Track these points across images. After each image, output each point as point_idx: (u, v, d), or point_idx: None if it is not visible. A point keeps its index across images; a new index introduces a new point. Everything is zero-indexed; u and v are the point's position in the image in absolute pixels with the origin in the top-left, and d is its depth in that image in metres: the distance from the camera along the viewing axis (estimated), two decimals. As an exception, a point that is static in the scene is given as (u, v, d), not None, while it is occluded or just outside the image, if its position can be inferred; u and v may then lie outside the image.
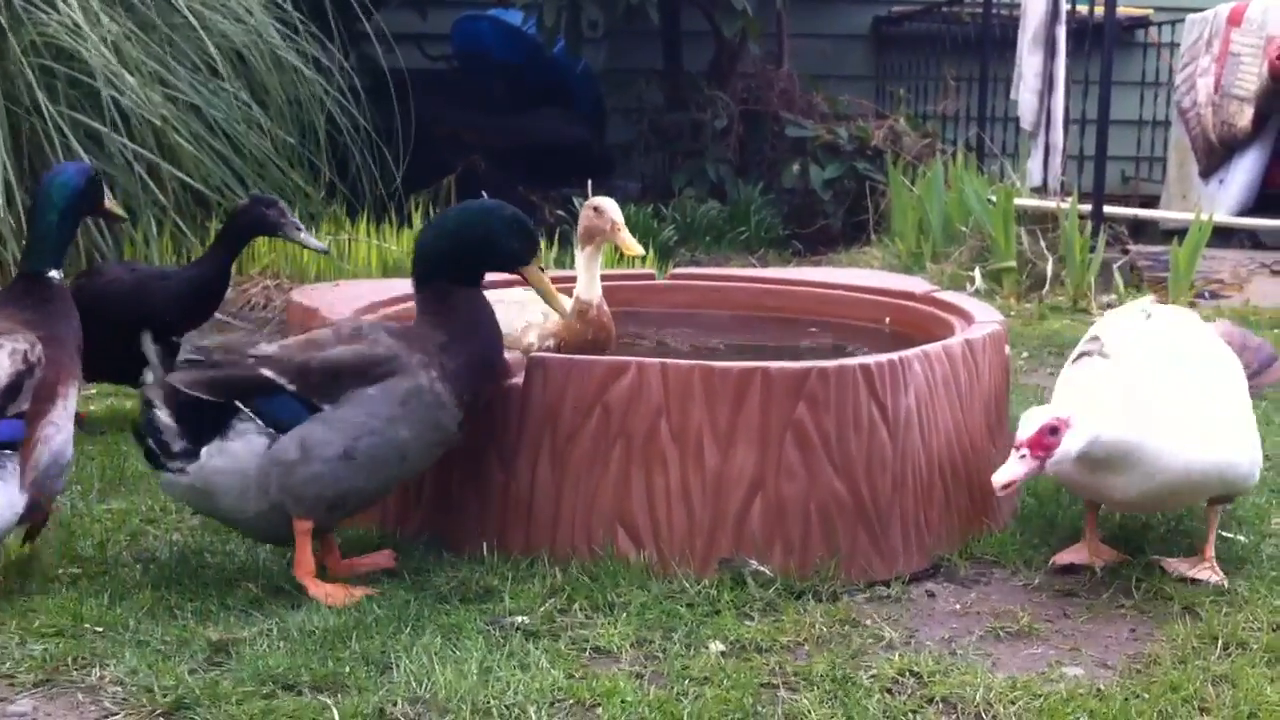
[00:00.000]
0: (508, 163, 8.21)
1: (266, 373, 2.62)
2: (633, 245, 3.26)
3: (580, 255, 3.28)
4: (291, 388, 2.61)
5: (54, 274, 2.77)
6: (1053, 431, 2.58)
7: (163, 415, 2.61)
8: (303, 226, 3.85)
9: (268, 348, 2.72)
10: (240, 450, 2.60)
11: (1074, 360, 2.96)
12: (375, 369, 2.64)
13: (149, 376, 3.56)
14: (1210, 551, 2.84)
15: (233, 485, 2.61)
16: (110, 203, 2.98)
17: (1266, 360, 3.10)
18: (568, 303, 3.25)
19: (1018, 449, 2.59)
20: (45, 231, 2.79)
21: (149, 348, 2.64)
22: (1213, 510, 2.88)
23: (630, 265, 5.67)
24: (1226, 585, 2.75)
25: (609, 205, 3.28)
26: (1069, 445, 2.59)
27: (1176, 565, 2.84)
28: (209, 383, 2.63)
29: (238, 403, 2.61)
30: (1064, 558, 2.89)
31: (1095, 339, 2.95)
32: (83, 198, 2.84)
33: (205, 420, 2.61)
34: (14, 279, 2.84)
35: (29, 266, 2.78)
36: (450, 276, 2.75)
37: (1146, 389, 2.71)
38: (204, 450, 2.61)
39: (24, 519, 2.67)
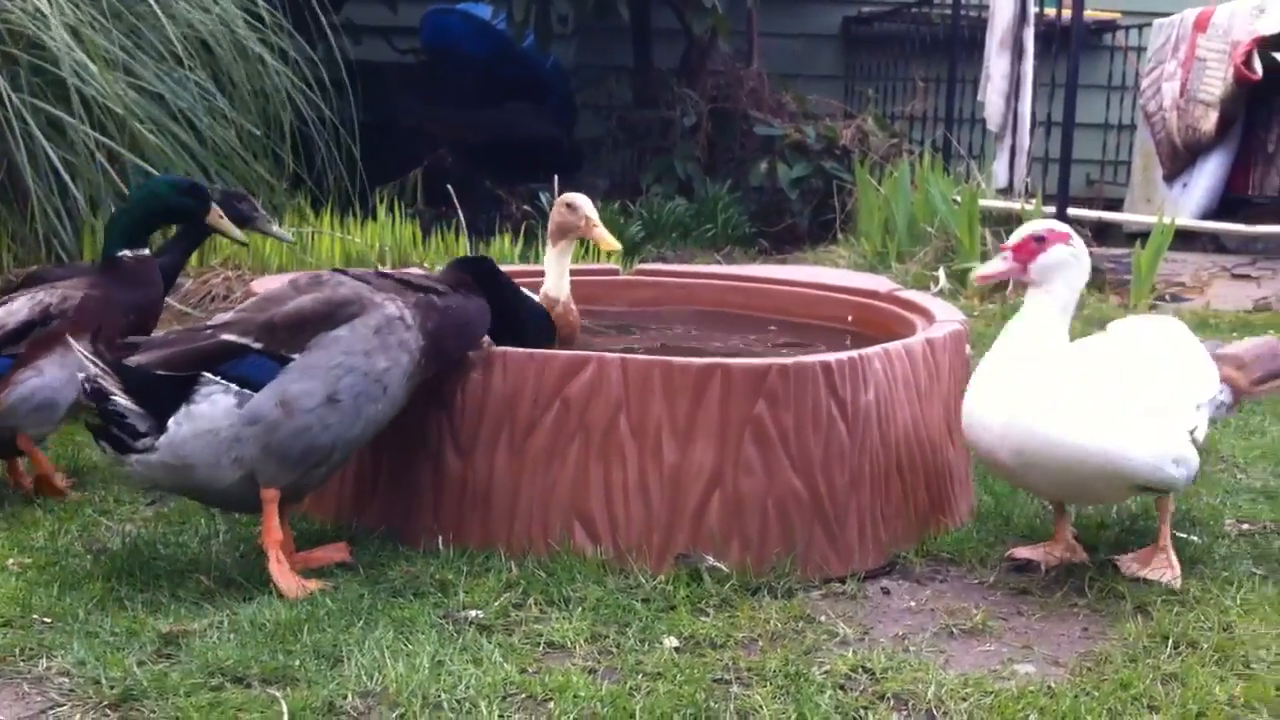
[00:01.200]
0: (476, 157, 8.19)
1: (228, 337, 2.59)
2: (609, 240, 3.26)
3: (550, 251, 3.28)
4: (258, 345, 2.57)
5: (125, 253, 3.18)
6: (1039, 240, 2.69)
7: (122, 400, 2.54)
8: (272, 219, 3.84)
9: (223, 316, 2.69)
10: (208, 411, 2.55)
11: None
12: (341, 310, 2.63)
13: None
14: (1164, 543, 2.84)
15: (205, 451, 2.55)
16: (216, 220, 3.39)
17: (1277, 368, 3.07)
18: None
19: (1003, 250, 2.75)
20: (111, 223, 3.27)
21: (78, 344, 2.63)
22: (1160, 504, 2.88)
23: (596, 260, 5.67)
24: (1178, 585, 2.76)
25: (583, 201, 3.28)
26: (1056, 255, 2.70)
27: (1129, 564, 2.86)
28: (169, 359, 2.57)
29: (205, 372, 2.56)
30: (1021, 552, 2.90)
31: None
32: (169, 206, 3.30)
33: (166, 397, 2.55)
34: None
35: (102, 253, 3.25)
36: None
37: (1059, 377, 2.71)
38: (171, 421, 2.55)
39: None
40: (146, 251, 3.25)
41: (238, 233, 3.51)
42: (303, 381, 2.57)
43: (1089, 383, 2.70)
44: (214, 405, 2.55)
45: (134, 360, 2.57)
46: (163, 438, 2.55)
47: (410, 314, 2.68)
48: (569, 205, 3.27)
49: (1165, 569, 2.80)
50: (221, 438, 2.55)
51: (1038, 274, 2.74)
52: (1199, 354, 2.96)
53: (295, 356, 2.58)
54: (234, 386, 2.56)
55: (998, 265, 2.78)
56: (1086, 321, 5.86)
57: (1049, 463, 2.69)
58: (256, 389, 2.56)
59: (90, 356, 2.55)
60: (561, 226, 3.27)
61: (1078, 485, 2.78)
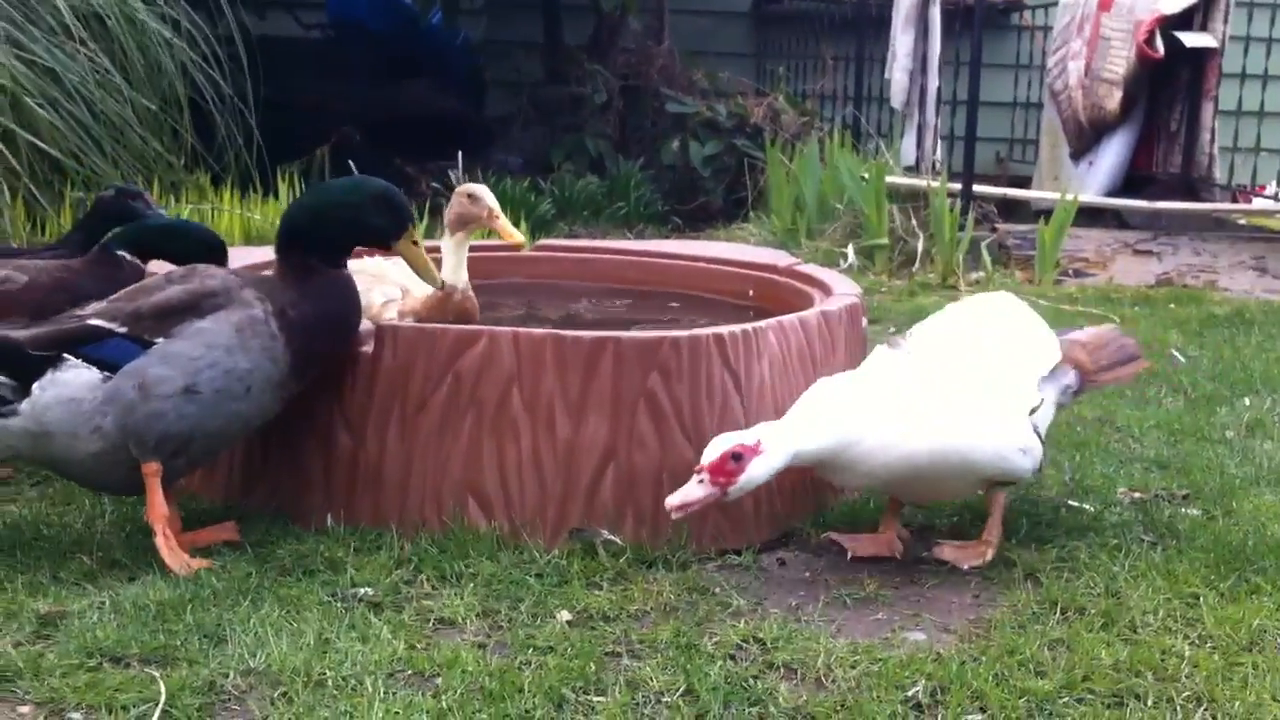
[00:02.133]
0: (383, 135, 8.09)
1: (95, 322, 2.58)
2: (512, 233, 3.23)
3: (448, 240, 3.23)
4: (122, 330, 2.56)
5: (124, 254, 3.18)
6: (735, 458, 2.50)
7: None
8: (167, 215, 3.76)
9: (96, 305, 2.66)
10: (72, 380, 2.53)
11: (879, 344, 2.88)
12: (206, 300, 2.60)
13: None
14: (990, 535, 2.77)
15: (66, 421, 2.52)
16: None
17: (1122, 357, 3.04)
18: (416, 284, 3.21)
19: (698, 473, 2.51)
20: (135, 228, 3.26)
21: None
22: (992, 496, 2.79)
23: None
24: (982, 565, 2.72)
25: (484, 192, 3.23)
26: (755, 472, 2.52)
27: (946, 551, 2.78)
28: (34, 338, 2.55)
29: (65, 354, 2.54)
30: (836, 536, 2.86)
31: (909, 331, 2.91)
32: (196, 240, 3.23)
33: (32, 372, 2.53)
34: None
35: (105, 242, 3.23)
36: (314, 252, 2.70)
37: (874, 386, 2.66)
38: (35, 386, 2.52)
39: None
40: (145, 266, 3.22)
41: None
42: (161, 367, 2.55)
43: (923, 383, 2.66)
44: (79, 376, 2.54)
45: (3, 333, 2.55)
46: (25, 402, 2.53)
47: (276, 323, 2.62)
48: (470, 196, 3.23)
49: (976, 559, 2.74)
50: (84, 410, 2.53)
51: (737, 494, 2.54)
52: (1037, 329, 2.91)
53: (158, 341, 2.56)
54: (94, 369, 2.54)
55: (694, 493, 2.51)
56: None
57: (909, 468, 2.64)
58: (115, 370, 2.54)
59: None
60: (462, 217, 3.22)
61: (918, 489, 2.76)
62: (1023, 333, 2.89)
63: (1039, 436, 2.75)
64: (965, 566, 2.73)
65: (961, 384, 2.68)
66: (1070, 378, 2.91)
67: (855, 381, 2.70)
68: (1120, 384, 3.25)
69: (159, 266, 3.18)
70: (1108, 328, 3.16)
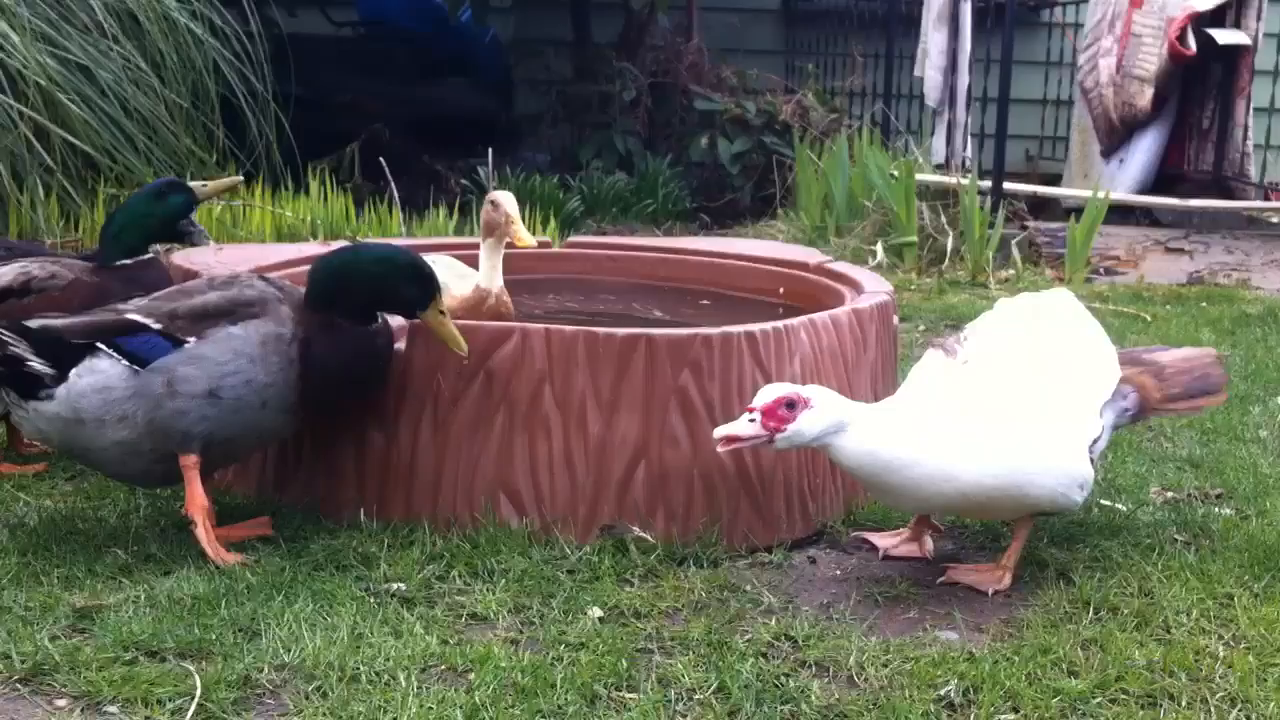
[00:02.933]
0: (412, 132, 8.11)
1: (132, 316, 2.62)
2: (526, 238, 3.24)
3: (483, 246, 3.26)
4: (156, 326, 2.60)
5: (125, 262, 3.19)
6: (789, 405, 2.49)
7: (36, 364, 2.59)
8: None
9: (138, 301, 2.71)
10: (106, 369, 2.58)
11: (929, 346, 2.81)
12: (242, 309, 2.64)
13: None
14: (1008, 561, 2.67)
15: (97, 408, 2.57)
16: (203, 190, 3.38)
17: (1198, 388, 2.88)
18: (456, 282, 3.23)
19: (750, 412, 2.51)
20: (106, 239, 3.25)
21: None
22: (1021, 523, 2.70)
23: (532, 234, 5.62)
24: (1001, 589, 2.63)
25: (505, 199, 3.25)
26: (804, 425, 2.49)
27: (961, 574, 2.68)
28: (70, 327, 2.61)
29: (99, 344, 2.59)
30: (868, 535, 2.85)
31: (961, 332, 2.81)
32: (152, 219, 3.24)
33: (68, 360, 2.59)
34: None
35: (100, 260, 3.23)
36: (341, 313, 2.71)
37: (931, 406, 2.59)
38: (72, 373, 2.58)
39: None
40: (148, 256, 3.25)
41: (228, 181, 3.51)
42: (189, 367, 2.59)
43: (985, 409, 2.57)
44: (111, 367, 2.59)
45: (37, 323, 2.62)
46: (61, 387, 2.59)
47: (297, 349, 2.65)
48: (493, 203, 3.25)
49: (994, 583, 2.65)
50: (114, 398, 2.58)
51: (784, 444, 2.53)
52: (1097, 342, 2.78)
53: (190, 341, 2.60)
54: (123, 361, 2.58)
55: (742, 429, 2.50)
56: (1021, 295, 5.90)
57: (953, 497, 2.57)
58: (144, 365, 2.58)
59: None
60: (489, 224, 3.25)
61: (978, 511, 2.72)
62: (1084, 348, 2.76)
63: (1094, 466, 2.67)
64: (989, 591, 2.62)
65: (1025, 411, 2.58)
66: (1130, 401, 2.79)
67: (908, 402, 2.62)
68: (1191, 415, 3.06)
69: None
70: (1202, 352, 3.00)
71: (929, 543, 2.81)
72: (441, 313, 2.73)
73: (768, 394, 2.52)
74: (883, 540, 2.82)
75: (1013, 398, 2.59)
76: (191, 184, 3.36)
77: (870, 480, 2.59)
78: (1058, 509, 2.67)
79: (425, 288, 2.72)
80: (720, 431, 2.52)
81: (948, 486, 2.53)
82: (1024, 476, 2.55)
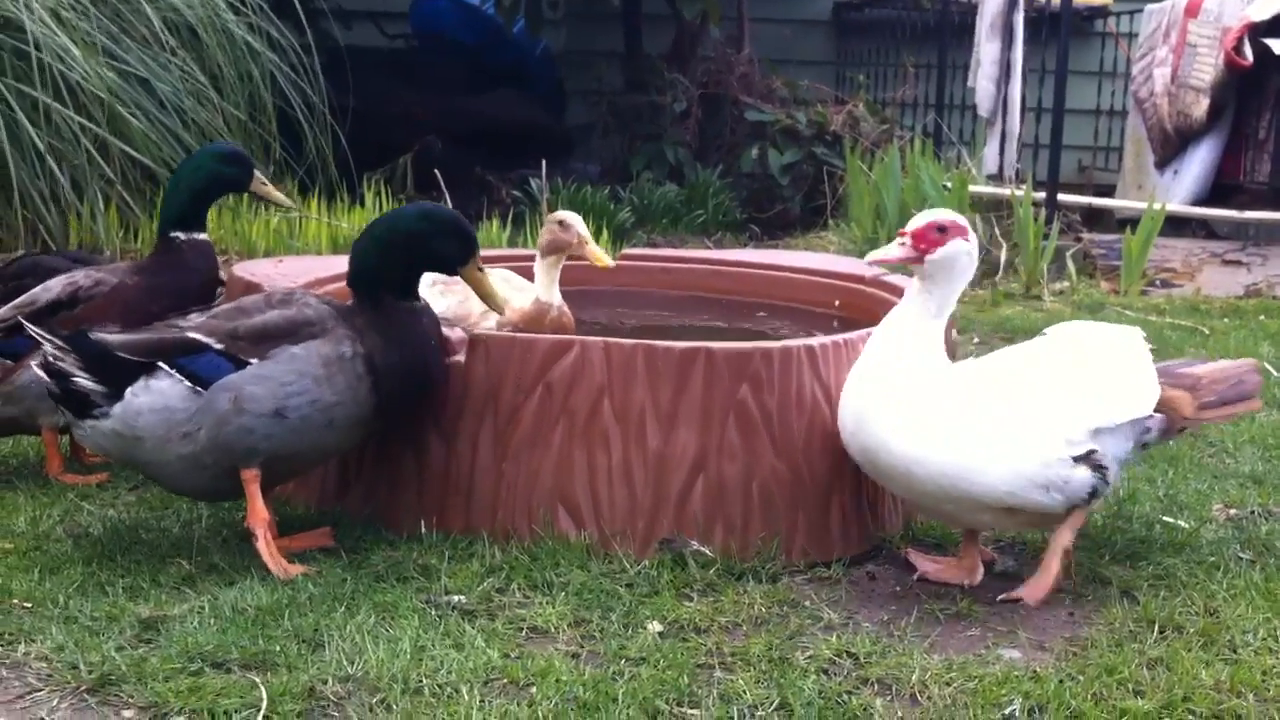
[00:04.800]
0: (465, 143, 8.16)
1: (194, 336, 2.64)
2: (603, 258, 3.26)
3: (541, 263, 3.27)
4: (218, 346, 2.62)
5: (178, 235, 3.20)
6: (940, 230, 2.57)
7: (82, 380, 2.60)
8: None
9: (196, 319, 2.72)
10: (166, 389, 2.60)
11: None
12: (303, 329, 2.66)
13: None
14: (1051, 562, 2.64)
15: (158, 426, 2.59)
16: (260, 186, 3.33)
17: (1233, 395, 2.83)
18: (515, 295, 3.24)
19: (901, 236, 2.59)
20: (163, 203, 3.29)
21: (32, 326, 2.68)
22: (1054, 533, 2.66)
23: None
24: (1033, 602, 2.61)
25: (575, 220, 3.26)
26: (954, 249, 2.58)
27: (1017, 593, 2.64)
28: (130, 344, 2.62)
29: (159, 362, 2.60)
30: (915, 558, 2.79)
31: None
32: (204, 174, 3.22)
33: (124, 376, 2.60)
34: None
35: (158, 230, 3.28)
36: (385, 286, 2.72)
37: (916, 387, 2.59)
38: (128, 391, 2.59)
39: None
40: (202, 235, 3.25)
41: (284, 199, 3.51)
42: (255, 386, 2.60)
43: (946, 397, 2.57)
44: (172, 387, 2.60)
45: (96, 336, 2.63)
46: (117, 405, 2.60)
47: (363, 365, 2.66)
48: (561, 223, 3.26)
49: (1044, 590, 2.62)
50: (176, 418, 2.59)
51: (932, 267, 2.59)
52: (1125, 373, 2.71)
53: (253, 361, 2.61)
54: (185, 380, 2.59)
55: (895, 250, 2.62)
56: (1076, 307, 5.86)
57: (887, 470, 2.60)
58: (204, 385, 2.59)
59: (48, 336, 2.61)
60: (554, 244, 3.26)
61: (928, 499, 2.64)
62: (1107, 374, 2.69)
63: (1100, 471, 2.59)
64: (1033, 603, 2.59)
65: (989, 407, 2.56)
66: (1154, 423, 2.71)
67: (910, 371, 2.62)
68: (1225, 421, 3.05)
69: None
70: (1241, 362, 2.93)
71: (979, 570, 2.73)
72: (480, 270, 2.76)
73: (921, 218, 2.60)
74: (924, 564, 2.77)
75: (984, 391, 2.61)
76: (256, 172, 3.35)
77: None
78: (1023, 509, 2.58)
79: (466, 243, 2.75)
80: (872, 255, 2.62)
81: (898, 461, 2.56)
82: (963, 463, 2.53)
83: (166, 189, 3.31)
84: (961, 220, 2.63)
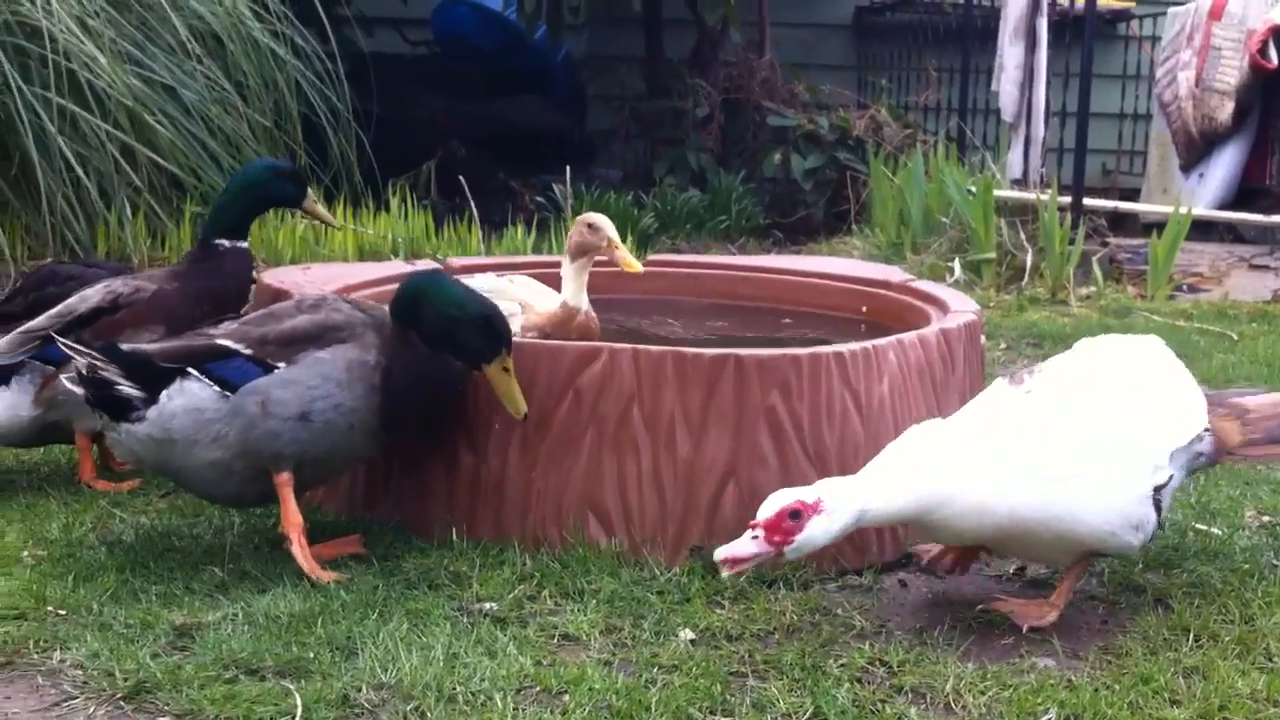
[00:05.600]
0: (488, 149, 8.17)
1: (223, 342, 2.66)
2: (632, 262, 3.25)
3: (569, 265, 3.26)
4: (247, 352, 2.64)
5: (222, 242, 3.22)
6: (793, 515, 2.32)
7: (125, 387, 2.62)
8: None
9: (227, 325, 2.75)
10: (198, 392, 2.62)
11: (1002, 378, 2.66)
12: (329, 333, 2.68)
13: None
14: (1058, 599, 2.55)
15: (190, 428, 2.61)
16: (312, 205, 3.38)
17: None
18: (540, 299, 3.25)
19: (753, 528, 2.33)
20: (214, 209, 3.31)
21: (62, 339, 2.72)
22: (1075, 564, 2.58)
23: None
24: (1043, 625, 2.52)
25: (604, 223, 3.26)
26: (813, 532, 2.33)
27: (1008, 604, 2.58)
28: (162, 351, 2.65)
29: (189, 369, 2.62)
30: (947, 567, 2.74)
31: (1036, 365, 2.67)
32: (261, 188, 3.28)
33: (160, 382, 2.62)
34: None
35: (200, 235, 3.32)
36: (416, 331, 2.75)
37: (973, 437, 2.46)
38: (163, 394, 2.61)
39: (38, 438, 3.20)
40: (244, 244, 3.28)
41: (332, 219, 3.54)
42: (282, 390, 2.62)
43: (1032, 439, 2.45)
44: (202, 391, 2.62)
45: (130, 347, 2.66)
46: (152, 409, 2.62)
47: (379, 377, 2.67)
48: (590, 226, 3.25)
49: (1035, 619, 2.53)
50: (206, 420, 2.61)
51: (794, 556, 2.37)
52: (1180, 386, 2.64)
53: (281, 366, 2.64)
54: (214, 385, 2.61)
55: (746, 549, 2.32)
56: (1103, 312, 5.84)
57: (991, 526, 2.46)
58: (234, 390, 2.61)
59: (83, 349, 2.63)
60: (582, 246, 3.25)
61: (1024, 550, 2.59)
62: (1163, 390, 2.62)
63: (1159, 510, 2.53)
64: (1024, 627, 2.50)
65: (1077, 443, 2.45)
66: (1206, 445, 2.63)
67: (953, 430, 2.49)
68: (1269, 461, 2.92)
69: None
70: (1256, 395, 2.79)
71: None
72: (506, 370, 2.70)
73: (770, 506, 2.34)
74: (932, 554, 2.74)
75: (1067, 430, 2.46)
76: (310, 190, 3.38)
77: (908, 526, 2.53)
78: (1110, 550, 2.54)
79: (493, 342, 2.69)
80: (721, 553, 2.32)
81: (986, 522, 2.42)
82: (1066, 511, 2.43)
83: (218, 196, 3.34)
84: (813, 496, 2.35)
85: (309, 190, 3.37)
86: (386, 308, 2.80)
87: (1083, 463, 2.45)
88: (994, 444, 2.45)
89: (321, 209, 3.43)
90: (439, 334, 2.74)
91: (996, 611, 2.56)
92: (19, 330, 3.12)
